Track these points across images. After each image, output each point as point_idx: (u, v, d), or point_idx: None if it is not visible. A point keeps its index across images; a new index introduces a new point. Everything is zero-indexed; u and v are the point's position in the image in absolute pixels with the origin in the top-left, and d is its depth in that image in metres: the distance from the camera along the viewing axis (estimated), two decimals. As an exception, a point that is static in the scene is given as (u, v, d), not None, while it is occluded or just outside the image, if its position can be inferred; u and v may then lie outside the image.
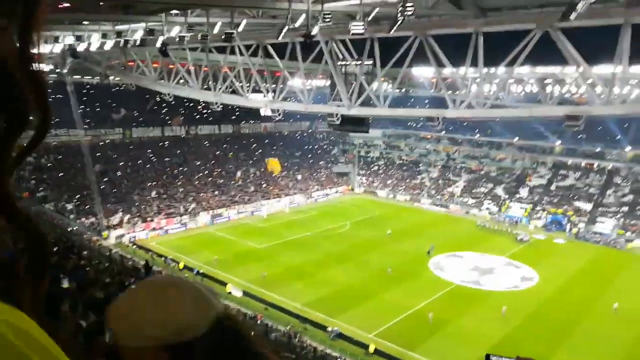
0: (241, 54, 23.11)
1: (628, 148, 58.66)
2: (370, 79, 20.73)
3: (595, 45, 19.33)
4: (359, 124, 23.78)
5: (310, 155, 73.69)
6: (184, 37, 19.93)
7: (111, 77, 39.75)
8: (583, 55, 15.68)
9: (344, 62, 20.74)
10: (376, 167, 74.63)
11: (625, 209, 53.51)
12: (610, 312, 30.95)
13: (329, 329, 27.96)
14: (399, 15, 11.58)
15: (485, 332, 27.29)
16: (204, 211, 50.81)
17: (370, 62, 20.03)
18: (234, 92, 28.60)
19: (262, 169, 63.87)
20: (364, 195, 68.07)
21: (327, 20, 14.02)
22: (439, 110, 19.17)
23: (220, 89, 27.71)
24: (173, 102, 43.70)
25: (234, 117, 69.16)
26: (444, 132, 70.77)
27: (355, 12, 13.00)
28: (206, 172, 59.10)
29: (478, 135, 70.18)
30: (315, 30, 14.51)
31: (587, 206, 55.18)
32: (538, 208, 56.93)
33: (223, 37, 18.18)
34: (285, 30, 16.01)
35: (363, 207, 59.91)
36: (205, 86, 29.10)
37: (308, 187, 64.49)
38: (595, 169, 61.41)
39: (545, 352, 25.26)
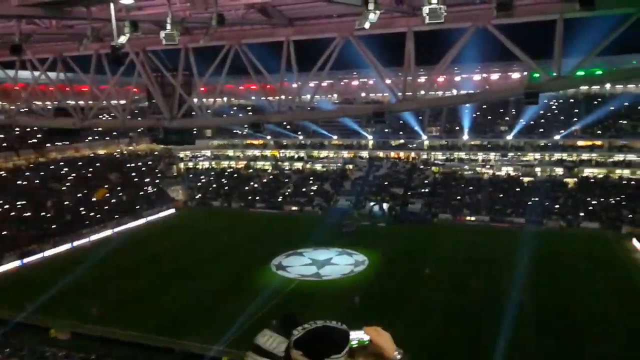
0: (34, 69, 20.35)
1: (424, 137, 68.55)
2: (189, 89, 20.22)
3: (390, 49, 22.07)
4: (184, 136, 23.01)
5: (134, 174, 68.65)
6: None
7: None
8: (382, 59, 17.80)
9: (159, 74, 19.83)
10: (207, 178, 73.20)
11: (428, 189, 62.42)
12: (427, 279, 35.84)
13: (177, 351, 26.65)
14: (211, 25, 11.58)
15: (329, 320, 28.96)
16: (9, 251, 43.46)
17: (188, 72, 19.56)
18: (32, 111, 25.01)
19: (79, 195, 57.31)
20: (199, 207, 66.21)
21: (136, 30, 13.25)
22: (261, 115, 19.72)
23: (13, 109, 23.99)
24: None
25: (35, 141, 60.73)
26: (269, 137, 73.25)
27: (165, 23, 12.54)
28: (6, 206, 50.60)
29: (301, 137, 74.10)
30: (122, 41, 13.57)
31: (400, 190, 62.74)
32: (361, 198, 62.65)
33: (9, 50, 15.75)
34: (86, 41, 14.64)
35: (198, 219, 58.27)
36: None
37: (135, 207, 60.01)
38: (402, 158, 70.19)
39: (382, 327, 27.96)
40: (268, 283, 36.14)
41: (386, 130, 69.64)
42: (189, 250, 45.25)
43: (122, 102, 24.80)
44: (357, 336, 1.97)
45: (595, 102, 64.17)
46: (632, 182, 56.25)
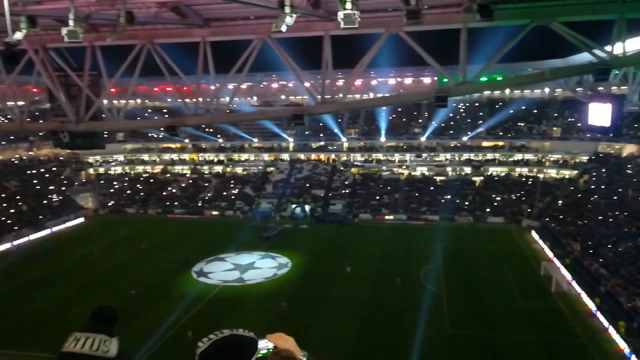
0: None
1: (344, 139, 70.08)
2: (98, 90, 19.00)
3: (309, 53, 22.32)
4: (92, 140, 21.52)
5: (35, 181, 63.15)
6: None
7: None
8: (301, 62, 17.94)
9: (63, 73, 18.40)
10: (120, 184, 69.27)
11: (348, 190, 63.92)
12: (348, 277, 36.67)
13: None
14: (119, 22, 10.93)
15: (253, 324, 28.53)
16: None
17: (96, 72, 18.36)
18: None
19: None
20: (111, 215, 62.46)
21: (34, 26, 12.18)
22: (178, 118, 18.99)
23: None
24: None
25: None
26: (187, 140, 70.95)
27: (68, 19, 11.66)
28: None
29: (221, 140, 72.59)
30: (18, 37, 12.43)
31: (321, 192, 63.62)
32: (283, 200, 62.68)
33: None
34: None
35: (112, 228, 54.95)
36: None
37: (38, 218, 55.24)
38: (322, 160, 71.25)
39: (306, 328, 28.18)
40: (188, 291, 34.92)
41: (306, 132, 70.42)
42: (100, 262, 42.50)
43: (20, 103, 22.74)
44: (262, 345, 1.93)
45: (497, 106, 69.51)
46: (530, 180, 61.60)
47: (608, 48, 13.78)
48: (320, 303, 32.32)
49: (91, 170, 70.31)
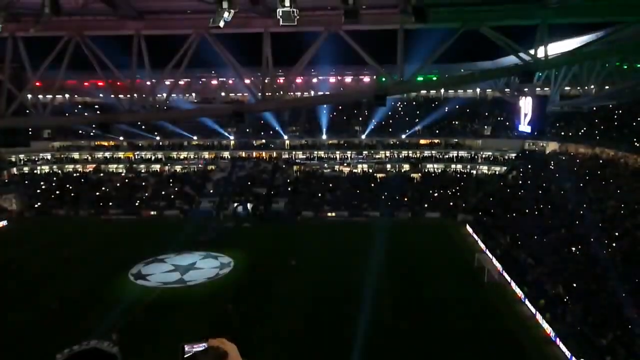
0: None
1: (285, 137, 69.95)
2: (21, 84, 17.75)
3: (249, 49, 21.97)
4: (15, 137, 20.07)
5: (-50, 182, 58.01)
6: None
7: None
8: (241, 59, 17.69)
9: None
10: (48, 184, 65.15)
11: (290, 188, 63.92)
12: (292, 275, 36.69)
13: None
14: (42, 12, 10.26)
15: (195, 326, 27.89)
16: None
17: (18, 64, 17.15)
18: None
19: None
20: (38, 217, 58.57)
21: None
22: (111, 115, 18.16)
23: None
24: None
25: None
26: (122, 137, 67.95)
27: (-16, 6, 10.80)
28: None
29: (158, 137, 70.12)
30: None
31: (263, 190, 63.13)
32: (224, 199, 61.60)
33: None
34: None
35: (39, 231, 51.54)
36: None
37: (-46, 222, 50.83)
38: (264, 157, 70.73)
39: (250, 327, 27.92)
40: (126, 295, 33.51)
41: (247, 130, 69.60)
42: (24, 269, 39.75)
43: None
44: (198, 349, 1.90)
45: (433, 105, 72.09)
46: (464, 175, 64.50)
47: (532, 51, 14.70)
48: (264, 302, 32.13)
49: (14, 170, 65.59)
